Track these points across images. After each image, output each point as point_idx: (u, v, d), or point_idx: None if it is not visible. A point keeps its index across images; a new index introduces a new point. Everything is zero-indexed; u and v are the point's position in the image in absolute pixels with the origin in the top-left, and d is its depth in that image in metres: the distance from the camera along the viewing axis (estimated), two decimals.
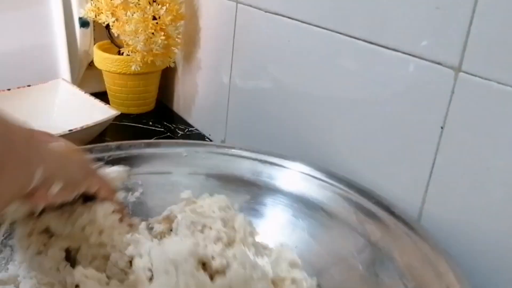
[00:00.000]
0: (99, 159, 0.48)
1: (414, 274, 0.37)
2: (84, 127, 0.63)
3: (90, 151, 0.49)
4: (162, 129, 0.78)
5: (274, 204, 0.49)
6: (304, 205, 0.47)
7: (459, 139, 0.41)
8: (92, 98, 0.73)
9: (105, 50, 0.81)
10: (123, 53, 0.76)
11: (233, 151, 0.53)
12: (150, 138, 0.74)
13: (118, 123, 0.77)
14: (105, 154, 0.50)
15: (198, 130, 0.79)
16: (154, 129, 0.78)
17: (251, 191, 0.50)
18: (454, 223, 0.42)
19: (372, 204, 0.43)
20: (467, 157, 0.40)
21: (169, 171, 0.51)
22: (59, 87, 0.77)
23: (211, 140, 0.75)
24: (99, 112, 0.68)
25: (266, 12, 0.59)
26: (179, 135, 0.77)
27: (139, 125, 0.79)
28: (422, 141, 0.43)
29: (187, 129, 0.79)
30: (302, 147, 0.57)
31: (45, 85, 0.77)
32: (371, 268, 0.40)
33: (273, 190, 0.49)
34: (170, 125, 0.80)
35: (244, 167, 0.51)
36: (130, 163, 0.49)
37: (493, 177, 0.39)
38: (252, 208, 0.49)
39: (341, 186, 0.46)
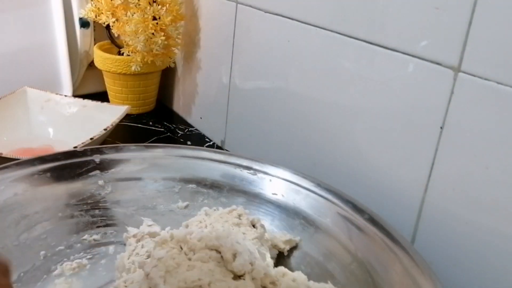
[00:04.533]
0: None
1: None
2: (108, 129, 0.62)
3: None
4: (162, 129, 0.78)
5: (254, 211, 0.48)
6: (287, 214, 0.46)
7: (458, 139, 0.41)
8: (90, 101, 0.72)
9: (105, 50, 0.81)
10: (123, 53, 0.76)
11: (205, 153, 0.52)
12: (150, 138, 0.74)
13: (117, 123, 0.77)
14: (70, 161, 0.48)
15: (198, 130, 0.79)
16: (154, 129, 0.78)
17: (231, 198, 0.49)
18: (453, 222, 0.42)
19: (363, 219, 0.42)
20: (467, 157, 0.40)
21: (139, 176, 0.50)
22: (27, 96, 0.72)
23: (210, 140, 0.76)
24: (107, 112, 0.68)
25: (266, 12, 0.59)
26: (179, 135, 0.77)
27: (139, 125, 0.79)
28: (421, 141, 0.43)
29: (187, 129, 0.79)
30: (302, 146, 0.57)
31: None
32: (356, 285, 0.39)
33: (253, 197, 0.49)
34: (170, 125, 0.80)
35: (223, 171, 0.50)
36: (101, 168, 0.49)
37: (492, 176, 0.39)
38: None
39: (331, 197, 0.45)
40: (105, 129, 0.61)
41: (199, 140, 0.76)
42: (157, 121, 0.81)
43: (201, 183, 0.50)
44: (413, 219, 0.45)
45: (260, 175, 0.49)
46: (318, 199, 0.45)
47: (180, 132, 0.78)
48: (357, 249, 0.41)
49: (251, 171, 0.49)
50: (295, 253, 0.45)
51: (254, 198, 0.48)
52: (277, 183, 0.48)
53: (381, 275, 0.38)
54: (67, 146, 0.52)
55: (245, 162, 0.50)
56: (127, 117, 0.80)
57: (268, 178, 0.49)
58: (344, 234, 0.42)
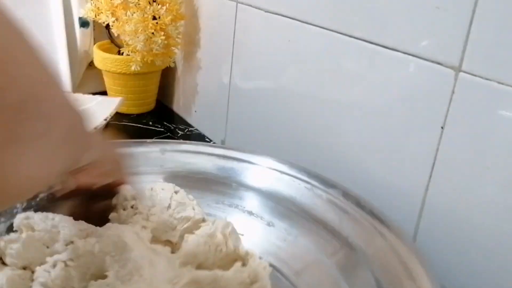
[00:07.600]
0: None
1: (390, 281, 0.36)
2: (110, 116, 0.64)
3: None
4: (162, 129, 0.78)
5: (247, 202, 0.48)
6: (278, 204, 0.47)
7: (459, 139, 0.41)
8: (81, 95, 0.73)
9: (105, 50, 0.81)
10: (123, 53, 0.76)
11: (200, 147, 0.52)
12: (150, 138, 0.74)
13: (118, 123, 0.77)
14: None
15: (198, 130, 0.79)
16: (154, 129, 0.78)
17: (221, 190, 0.49)
18: (454, 221, 0.42)
19: (353, 205, 0.43)
20: (467, 157, 0.40)
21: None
22: None
23: (210, 140, 0.76)
24: (100, 104, 0.69)
25: (266, 12, 0.59)
26: (179, 135, 0.77)
27: (139, 125, 0.79)
28: (422, 140, 0.43)
29: (187, 129, 0.79)
30: (302, 145, 0.57)
31: None
32: (345, 272, 0.40)
33: (245, 188, 0.49)
34: (170, 125, 0.80)
35: (213, 164, 0.50)
36: None
37: (493, 176, 0.39)
38: (224, 207, 0.49)
39: (318, 185, 0.46)
40: (105, 119, 0.61)
41: (199, 140, 0.76)
42: (157, 121, 0.81)
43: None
44: (414, 218, 0.45)
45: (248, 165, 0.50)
46: (307, 187, 0.46)
47: (180, 132, 0.78)
48: (347, 236, 0.41)
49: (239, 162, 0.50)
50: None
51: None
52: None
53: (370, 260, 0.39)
54: None
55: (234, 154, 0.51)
56: (127, 117, 0.80)
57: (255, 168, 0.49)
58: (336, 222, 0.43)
